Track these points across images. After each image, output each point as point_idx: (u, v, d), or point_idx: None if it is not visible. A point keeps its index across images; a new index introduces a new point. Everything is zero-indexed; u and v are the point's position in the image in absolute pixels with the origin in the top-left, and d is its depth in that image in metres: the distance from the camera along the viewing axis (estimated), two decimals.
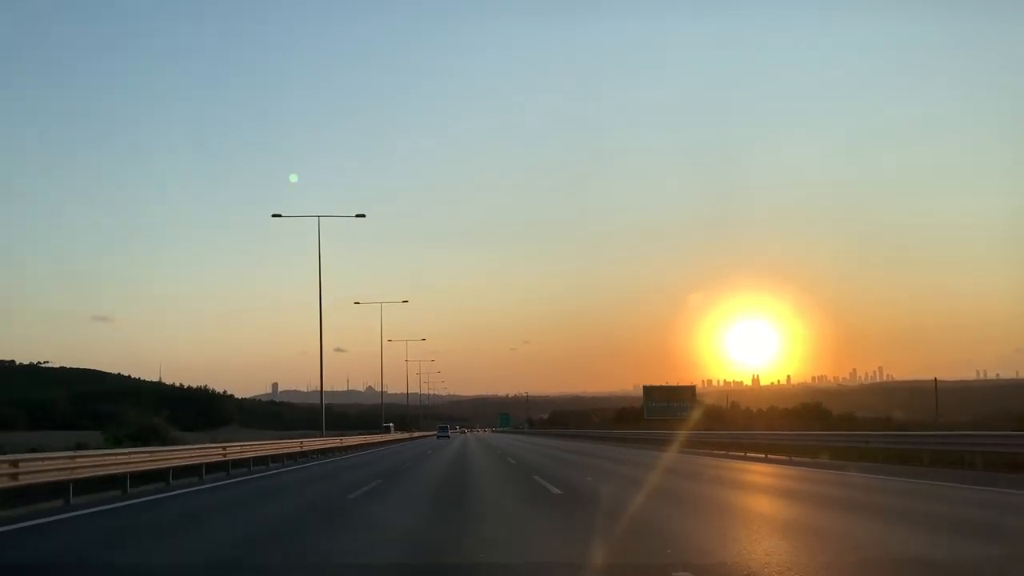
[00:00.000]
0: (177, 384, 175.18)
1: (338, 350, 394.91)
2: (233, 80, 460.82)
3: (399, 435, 71.48)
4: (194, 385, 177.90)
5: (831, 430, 30.69)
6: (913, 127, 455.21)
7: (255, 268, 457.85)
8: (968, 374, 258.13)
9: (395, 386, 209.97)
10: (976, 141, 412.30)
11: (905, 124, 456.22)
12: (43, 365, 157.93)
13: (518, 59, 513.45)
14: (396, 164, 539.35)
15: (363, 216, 41.91)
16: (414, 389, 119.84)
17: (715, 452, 29.84)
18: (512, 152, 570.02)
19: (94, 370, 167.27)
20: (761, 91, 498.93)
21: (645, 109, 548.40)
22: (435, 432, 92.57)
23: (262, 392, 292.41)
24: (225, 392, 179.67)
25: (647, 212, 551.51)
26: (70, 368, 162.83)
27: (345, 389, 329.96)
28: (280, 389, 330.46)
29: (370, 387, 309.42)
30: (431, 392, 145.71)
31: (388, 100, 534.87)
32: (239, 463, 20.61)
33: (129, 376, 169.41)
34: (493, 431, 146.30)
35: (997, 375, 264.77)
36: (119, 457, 14.32)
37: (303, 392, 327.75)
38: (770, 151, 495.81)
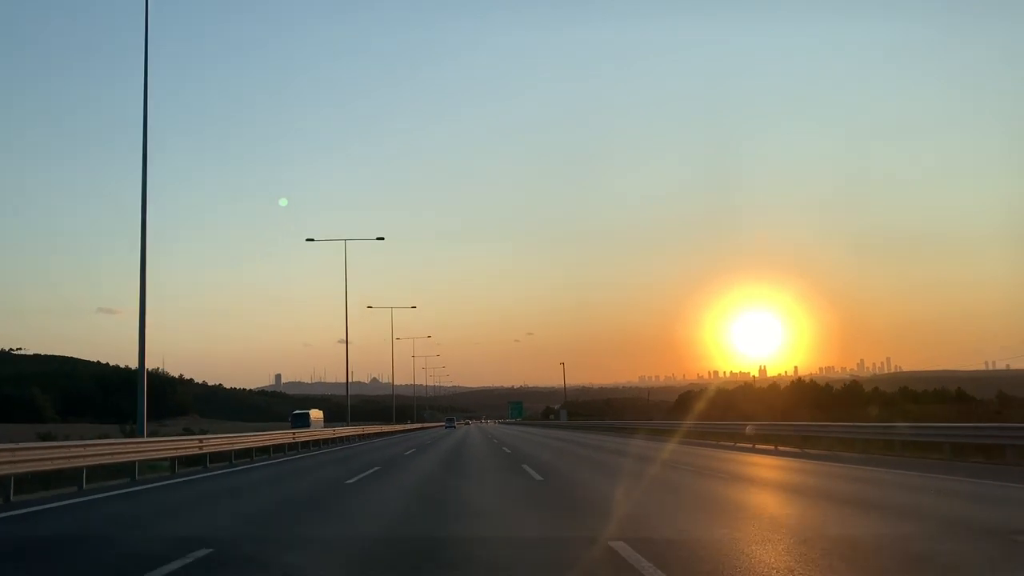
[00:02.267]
0: (123, 366, 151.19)
1: (341, 342, 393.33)
2: (238, 77, 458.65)
3: (343, 430, 40.30)
4: (148, 368, 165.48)
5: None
6: (922, 121, 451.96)
7: (258, 261, 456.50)
8: (977, 365, 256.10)
9: (401, 378, 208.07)
10: (984, 135, 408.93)
11: (914, 118, 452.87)
12: (15, 352, 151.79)
13: (521, 57, 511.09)
14: (400, 160, 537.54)
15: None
16: (419, 381, 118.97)
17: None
18: (517, 147, 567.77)
19: (61, 356, 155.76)
20: (767, 86, 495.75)
21: (650, 104, 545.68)
22: (442, 424, 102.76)
23: (266, 383, 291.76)
24: (181, 376, 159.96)
25: (652, 205, 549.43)
26: (45, 355, 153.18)
27: (350, 381, 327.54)
28: (283, 380, 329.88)
29: (375, 378, 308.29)
30: (437, 384, 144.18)
31: (392, 97, 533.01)
32: None
33: (98, 362, 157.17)
34: (499, 423, 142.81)
35: (1007, 365, 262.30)
36: None
37: (306, 383, 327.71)
38: (779, 145, 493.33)
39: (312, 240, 44.74)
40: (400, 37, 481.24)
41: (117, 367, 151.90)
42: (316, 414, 60.18)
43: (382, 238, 45.43)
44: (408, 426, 77.10)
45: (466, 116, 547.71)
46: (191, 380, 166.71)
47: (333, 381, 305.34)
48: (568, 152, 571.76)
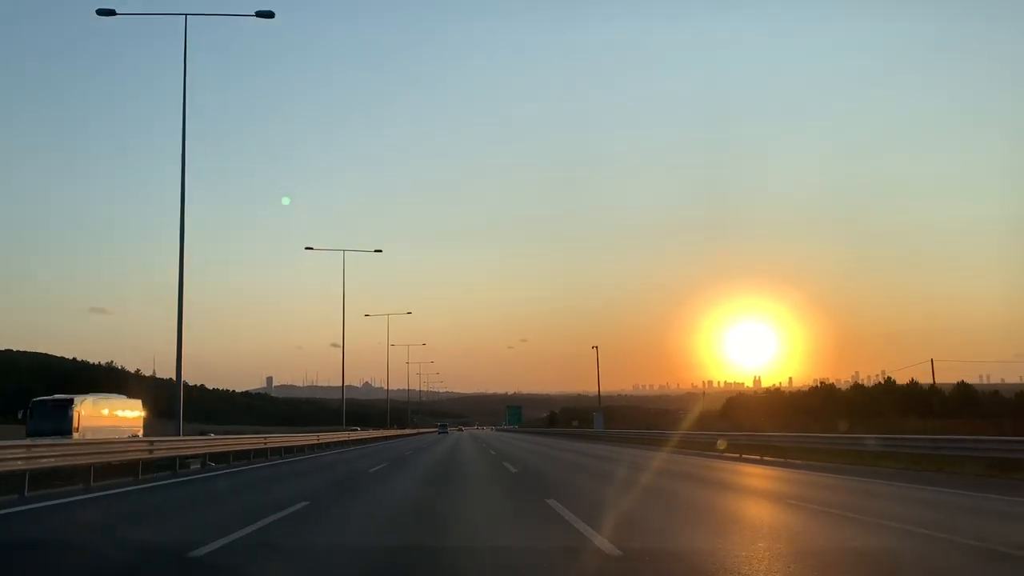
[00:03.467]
0: (71, 358, 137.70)
1: (334, 345, 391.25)
2: (233, 80, 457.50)
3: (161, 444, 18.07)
4: (101, 362, 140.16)
5: None
6: (915, 130, 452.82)
7: (253, 264, 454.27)
8: (971, 378, 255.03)
9: (395, 383, 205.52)
10: (979, 144, 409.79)
11: (908, 127, 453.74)
12: None
13: (516, 60, 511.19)
14: (396, 164, 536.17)
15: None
16: (413, 387, 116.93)
17: None
18: (512, 152, 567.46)
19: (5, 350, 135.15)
20: (763, 93, 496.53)
21: (646, 110, 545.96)
22: (432, 430, 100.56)
23: (258, 386, 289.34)
24: (138, 371, 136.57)
25: (648, 212, 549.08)
26: (18, 352, 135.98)
27: (344, 384, 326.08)
28: (275, 384, 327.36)
29: (367, 382, 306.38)
30: (430, 389, 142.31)
31: (387, 101, 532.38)
32: None
33: (74, 358, 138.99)
34: (495, 429, 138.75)
35: (1002, 380, 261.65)
36: None
37: (298, 387, 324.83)
38: (773, 153, 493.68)
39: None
40: (395, 43, 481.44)
41: (62, 359, 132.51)
42: (96, 409, 28.67)
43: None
44: (363, 434, 52.30)
45: (463, 122, 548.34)
46: (168, 379, 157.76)
47: (326, 384, 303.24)
48: (563, 159, 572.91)
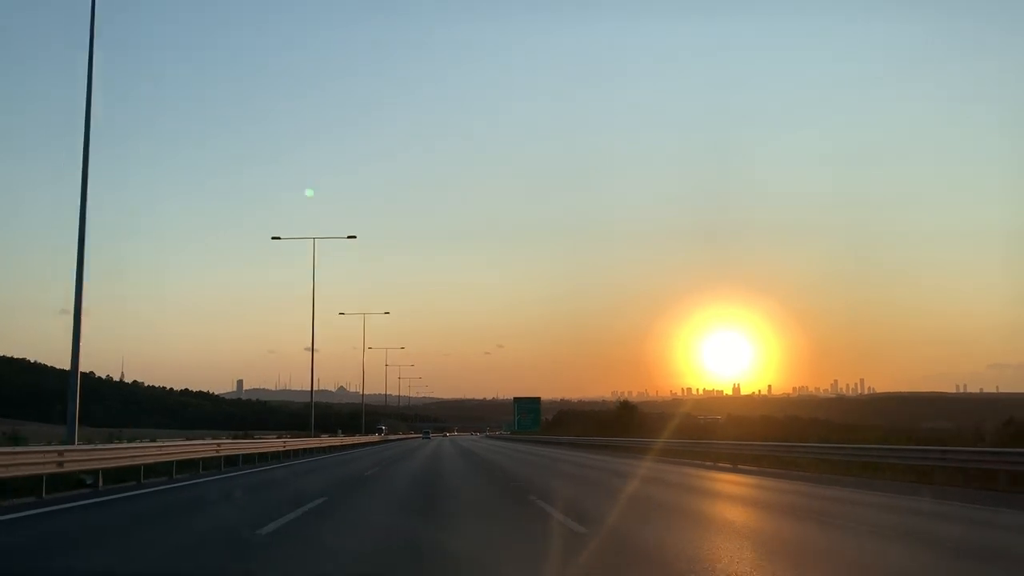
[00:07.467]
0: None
1: (307, 349, 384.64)
2: (224, 78, 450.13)
3: None
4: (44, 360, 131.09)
5: None
6: (898, 143, 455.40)
7: (225, 264, 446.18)
8: (947, 387, 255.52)
9: (374, 387, 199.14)
10: (962, 158, 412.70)
11: (890, 140, 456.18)
12: None
13: (506, 61, 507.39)
14: (375, 165, 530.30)
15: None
16: (391, 391, 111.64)
17: None
18: (492, 157, 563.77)
19: None
20: (750, 103, 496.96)
21: (633, 116, 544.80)
22: (374, 433, 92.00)
23: (228, 390, 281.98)
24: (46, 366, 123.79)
25: (628, 219, 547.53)
26: None
27: (316, 388, 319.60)
28: (245, 387, 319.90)
29: (342, 387, 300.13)
30: (407, 395, 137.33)
31: (372, 104, 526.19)
32: None
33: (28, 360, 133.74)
34: (485, 436, 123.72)
35: (980, 389, 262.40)
36: None
37: (271, 391, 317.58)
38: (756, 163, 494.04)
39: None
40: (382, 42, 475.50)
41: None
42: None
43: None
44: (271, 444, 32.09)
45: (443, 127, 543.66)
46: (127, 381, 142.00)
47: (298, 388, 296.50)
48: (547, 164, 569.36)
